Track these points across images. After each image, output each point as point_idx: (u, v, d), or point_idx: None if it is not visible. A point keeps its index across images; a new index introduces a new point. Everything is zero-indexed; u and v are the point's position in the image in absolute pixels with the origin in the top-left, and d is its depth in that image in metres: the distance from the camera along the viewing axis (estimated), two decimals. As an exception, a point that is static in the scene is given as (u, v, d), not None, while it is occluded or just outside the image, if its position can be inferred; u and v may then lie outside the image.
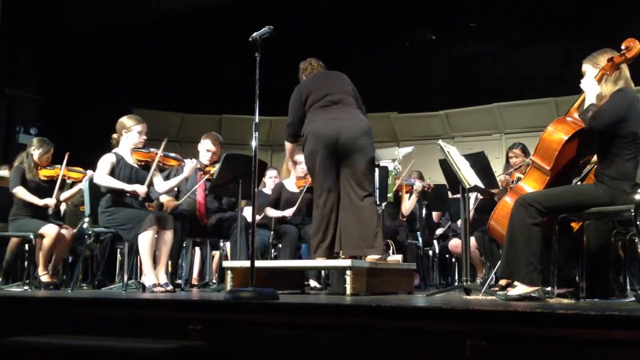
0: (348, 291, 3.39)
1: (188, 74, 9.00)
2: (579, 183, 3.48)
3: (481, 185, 3.94)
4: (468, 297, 3.50)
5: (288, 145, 4.26)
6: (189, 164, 4.59)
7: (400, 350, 2.16)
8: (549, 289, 3.13)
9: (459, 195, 4.02)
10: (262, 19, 3.48)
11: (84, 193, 4.65)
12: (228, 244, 5.04)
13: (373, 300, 2.72)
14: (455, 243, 5.94)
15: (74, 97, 8.20)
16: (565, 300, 3.06)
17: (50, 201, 4.79)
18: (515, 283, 3.04)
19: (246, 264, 3.51)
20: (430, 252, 6.47)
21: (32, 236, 4.63)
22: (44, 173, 4.91)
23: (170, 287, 4.04)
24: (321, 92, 3.96)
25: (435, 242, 6.50)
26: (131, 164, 4.38)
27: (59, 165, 4.95)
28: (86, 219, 4.50)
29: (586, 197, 3.02)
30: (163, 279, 4.09)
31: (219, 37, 8.20)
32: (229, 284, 3.77)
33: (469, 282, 3.67)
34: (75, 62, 8.39)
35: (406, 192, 5.89)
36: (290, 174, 5.53)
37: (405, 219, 6.04)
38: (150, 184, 4.38)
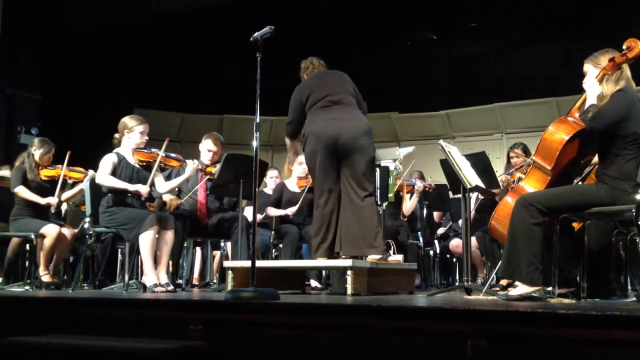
0: (349, 291, 3.39)
1: (188, 74, 9.01)
2: (580, 183, 3.48)
3: (482, 185, 3.94)
4: (469, 297, 3.50)
5: (288, 141, 4.28)
6: (191, 165, 4.59)
7: (401, 350, 2.16)
8: (550, 289, 3.13)
9: (459, 195, 4.01)
10: (262, 19, 3.48)
11: (85, 193, 4.66)
12: (229, 244, 5.04)
13: (374, 300, 2.72)
14: (456, 243, 5.94)
15: (74, 97, 8.21)
16: (566, 300, 3.05)
17: (53, 200, 4.79)
18: (516, 283, 3.04)
19: (247, 264, 3.51)
20: (431, 252, 6.47)
21: (33, 236, 4.64)
22: (45, 173, 4.91)
23: (171, 287, 4.04)
24: (322, 93, 3.96)
25: (436, 242, 6.49)
26: (132, 164, 4.38)
27: (60, 165, 4.95)
28: (87, 219, 4.50)
29: (587, 197, 3.02)
30: (164, 279, 4.10)
31: (219, 37, 8.20)
32: (229, 284, 3.77)
33: (469, 282, 3.67)
34: (76, 62, 8.40)
35: (407, 192, 5.89)
36: (292, 173, 5.53)
37: (406, 219, 6.04)
38: (152, 184, 4.38)
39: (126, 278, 4.41)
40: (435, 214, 6.77)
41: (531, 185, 3.30)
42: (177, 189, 4.84)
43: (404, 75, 9.17)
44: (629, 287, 3.75)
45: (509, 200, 3.30)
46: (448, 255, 6.42)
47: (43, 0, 7.52)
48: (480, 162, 4.24)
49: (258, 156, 3.08)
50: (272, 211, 5.34)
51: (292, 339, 2.35)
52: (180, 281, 5.00)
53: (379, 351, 2.19)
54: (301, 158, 4.67)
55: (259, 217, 5.34)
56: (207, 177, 4.85)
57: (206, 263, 5.93)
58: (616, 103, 2.99)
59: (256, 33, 3.11)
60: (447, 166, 4.40)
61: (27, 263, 4.99)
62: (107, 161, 4.28)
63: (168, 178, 4.78)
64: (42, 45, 8.48)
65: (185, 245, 4.98)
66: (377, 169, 4.35)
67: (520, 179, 4.04)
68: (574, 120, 3.21)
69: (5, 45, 7.14)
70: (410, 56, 9.18)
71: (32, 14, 7.75)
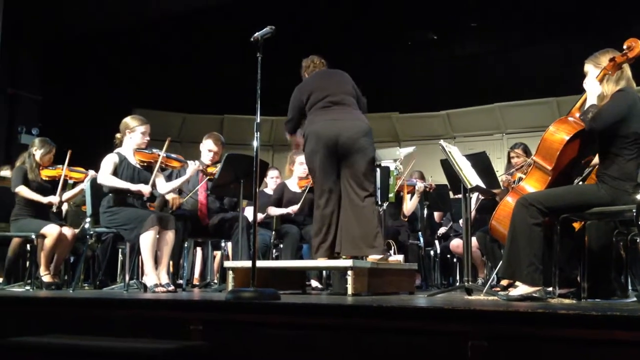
0: (349, 291, 3.39)
1: (189, 74, 9.01)
2: (580, 183, 3.48)
3: (483, 185, 3.93)
4: (469, 297, 3.49)
5: (288, 136, 4.29)
6: (192, 166, 4.59)
7: (401, 350, 2.16)
8: (550, 289, 3.13)
9: (460, 196, 4.01)
10: (262, 19, 3.48)
11: (85, 193, 4.66)
12: (229, 244, 5.04)
13: (374, 301, 2.72)
14: (456, 243, 5.94)
15: (75, 97, 8.21)
16: (567, 301, 3.05)
17: (55, 199, 4.80)
18: (517, 283, 3.04)
19: (247, 264, 3.51)
20: (432, 253, 6.47)
21: (33, 236, 4.64)
22: (46, 173, 4.91)
23: (171, 287, 4.04)
24: (322, 93, 3.96)
25: (436, 242, 6.49)
26: (134, 164, 4.38)
27: (60, 166, 4.96)
28: (88, 219, 4.50)
29: (588, 197, 3.02)
30: (164, 279, 4.10)
31: (219, 37, 8.21)
32: (230, 284, 3.77)
33: (470, 283, 3.67)
34: (77, 62, 8.40)
35: (408, 193, 5.89)
36: (293, 174, 5.53)
37: (406, 219, 6.04)
38: (153, 185, 4.38)
39: (127, 278, 4.41)
40: (436, 214, 6.77)
41: (532, 185, 3.30)
42: (178, 189, 4.84)
43: (404, 75, 9.17)
44: (630, 288, 3.75)
45: (510, 201, 3.30)
46: (448, 256, 6.42)
47: (44, 0, 7.53)
48: (481, 162, 4.24)
49: (258, 156, 3.08)
50: (273, 210, 5.34)
51: (292, 339, 2.35)
52: (180, 281, 5.00)
53: (380, 351, 2.19)
54: (302, 158, 4.68)
55: (260, 216, 5.34)
56: (208, 177, 4.86)
57: (207, 263, 5.93)
58: (616, 103, 2.99)
59: (257, 33, 3.11)
60: (447, 166, 4.41)
61: (27, 263, 4.99)
62: (109, 161, 4.28)
63: (169, 178, 4.79)
64: (42, 45, 8.49)
65: (185, 245, 4.98)
66: (378, 169, 4.36)
67: (520, 179, 4.04)
68: (575, 121, 3.21)
69: (6, 45, 7.15)
70: (410, 56, 9.18)
71: (33, 14, 7.76)
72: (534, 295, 2.91)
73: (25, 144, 6.71)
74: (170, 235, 4.16)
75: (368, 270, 3.62)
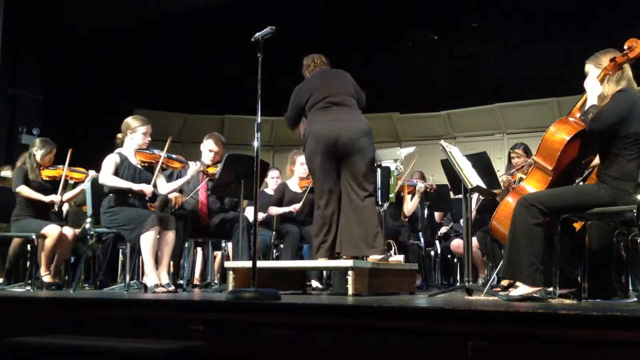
0: (350, 292, 3.39)
1: (189, 74, 9.01)
2: (581, 183, 3.48)
3: (483, 185, 3.93)
4: (470, 297, 3.49)
5: (290, 130, 4.35)
6: (193, 167, 4.59)
7: (402, 350, 2.16)
8: (551, 289, 3.13)
9: (461, 196, 4.01)
10: (262, 19, 3.48)
11: (86, 193, 4.66)
12: (230, 244, 5.04)
13: (375, 301, 2.72)
14: (457, 243, 5.94)
15: (75, 98, 8.21)
16: (567, 301, 3.05)
17: (56, 197, 4.80)
18: (518, 283, 3.04)
19: (248, 264, 3.51)
20: (432, 253, 6.47)
21: (34, 236, 4.64)
22: (47, 173, 4.91)
23: (172, 288, 4.04)
24: (322, 94, 3.97)
25: (437, 242, 6.49)
26: (135, 164, 4.38)
27: (61, 166, 4.96)
28: (88, 220, 4.50)
29: (588, 198, 3.02)
30: (165, 279, 4.10)
31: (219, 37, 8.20)
32: (230, 285, 3.77)
33: (471, 283, 3.67)
34: (77, 62, 8.40)
35: (408, 193, 5.89)
36: (293, 174, 5.53)
37: (407, 220, 6.04)
38: (154, 185, 4.38)
39: (127, 278, 4.41)
40: (437, 214, 6.77)
41: (532, 185, 3.30)
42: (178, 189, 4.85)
43: (404, 75, 9.17)
44: (630, 288, 3.75)
45: (510, 201, 3.30)
46: (449, 256, 6.42)
47: (44, 0, 7.53)
48: (482, 163, 4.24)
49: (259, 156, 3.08)
50: (275, 210, 5.34)
51: (293, 340, 2.35)
52: (181, 281, 5.00)
53: (380, 352, 2.19)
54: (302, 158, 4.68)
55: (262, 215, 5.35)
56: (208, 177, 4.86)
57: (207, 263, 5.93)
58: (617, 103, 2.99)
59: (257, 33, 3.11)
60: (448, 166, 4.40)
61: (28, 263, 4.99)
62: (110, 161, 4.29)
63: (169, 178, 4.79)
64: (43, 45, 8.49)
65: (186, 245, 4.98)
66: (379, 170, 4.36)
67: (521, 179, 4.04)
68: (575, 121, 3.20)
69: (6, 46, 7.15)
70: (410, 56, 9.18)
71: (34, 14, 7.76)
72: (535, 295, 2.91)
73: (25, 144, 6.71)
74: (170, 236, 4.16)
75: (368, 271, 3.62)
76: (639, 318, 1.83)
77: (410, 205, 5.95)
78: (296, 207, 5.23)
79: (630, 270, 3.81)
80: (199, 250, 5.89)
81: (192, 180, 4.78)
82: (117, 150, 4.41)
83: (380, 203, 4.43)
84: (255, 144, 3.02)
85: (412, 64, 9.15)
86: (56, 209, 4.90)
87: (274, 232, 5.27)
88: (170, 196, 4.86)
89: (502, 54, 8.90)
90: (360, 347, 2.24)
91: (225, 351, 2.41)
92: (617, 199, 2.96)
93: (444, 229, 6.57)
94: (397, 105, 9.39)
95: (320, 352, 2.29)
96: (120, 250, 5.44)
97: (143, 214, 4.12)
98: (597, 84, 3.07)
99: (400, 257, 4.59)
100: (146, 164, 4.43)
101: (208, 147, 4.96)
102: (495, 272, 4.38)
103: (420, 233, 6.27)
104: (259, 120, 3.02)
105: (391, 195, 4.53)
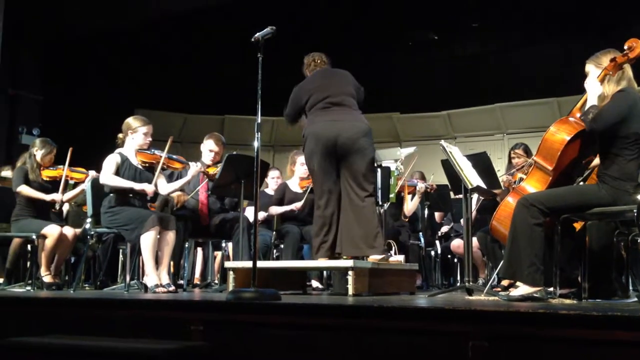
0: (350, 292, 3.39)
1: (189, 74, 9.01)
2: (581, 183, 3.48)
3: (483, 185, 3.93)
4: (470, 297, 3.49)
5: (290, 127, 4.37)
6: (194, 167, 4.59)
7: (402, 350, 2.16)
8: (551, 289, 3.13)
9: (461, 196, 4.01)
10: (262, 19, 3.48)
11: (86, 193, 4.66)
12: (230, 245, 5.04)
13: (375, 301, 2.72)
14: (457, 243, 5.94)
15: (75, 98, 8.22)
16: (568, 301, 3.05)
17: (57, 196, 4.80)
18: (518, 283, 3.04)
19: (248, 264, 3.51)
20: (433, 253, 6.47)
21: (34, 237, 4.64)
22: (47, 174, 4.91)
23: (172, 288, 4.04)
24: (322, 94, 3.97)
25: (437, 242, 6.49)
26: (136, 165, 4.38)
27: (61, 166, 4.96)
28: (89, 220, 4.50)
29: (588, 198, 3.02)
30: (165, 279, 4.10)
31: (219, 37, 8.21)
32: (231, 285, 3.77)
33: (471, 283, 3.67)
34: (77, 62, 8.40)
35: (408, 193, 5.89)
36: (294, 174, 5.53)
37: (407, 220, 6.04)
38: (155, 185, 4.38)
39: (127, 278, 4.41)
40: (437, 215, 6.77)
41: (532, 185, 3.30)
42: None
43: (404, 75, 9.17)
44: (631, 288, 3.75)
45: (510, 201, 3.30)
46: (449, 256, 6.42)
47: (44, 0, 7.53)
48: (482, 163, 4.24)
49: (259, 156, 3.08)
50: (276, 209, 5.34)
51: (293, 340, 2.35)
52: (181, 282, 5.00)
53: (380, 352, 2.19)
54: (303, 158, 4.68)
55: (263, 214, 5.35)
56: (209, 178, 4.86)
57: (207, 263, 5.93)
58: (617, 104, 2.99)
59: (257, 33, 3.11)
60: (448, 166, 4.40)
61: (28, 263, 4.99)
62: (111, 161, 4.28)
63: (170, 178, 4.79)
64: (43, 45, 8.50)
65: (186, 245, 4.98)
66: (379, 170, 4.36)
67: (521, 179, 4.04)
68: (575, 121, 3.20)
69: (6, 46, 7.15)
70: (411, 56, 9.18)
71: (34, 14, 7.76)
72: (535, 295, 2.91)
73: (26, 145, 6.71)
74: (171, 236, 4.16)
75: (369, 271, 3.62)
76: (639, 318, 1.83)
77: (410, 205, 5.95)
78: (298, 205, 5.23)
79: (631, 270, 3.81)
80: (199, 250, 5.89)
81: (192, 181, 4.78)
82: (118, 150, 4.41)
83: (380, 203, 4.43)
84: (256, 144, 3.02)
85: (412, 64, 9.15)
86: (57, 208, 4.91)
87: (274, 232, 5.27)
88: (173, 195, 4.86)
89: (502, 54, 8.90)
90: (360, 347, 2.24)
91: (226, 351, 2.41)
92: (618, 199, 2.96)
93: (444, 229, 6.57)
94: (397, 105, 9.39)
95: (320, 352, 2.29)
96: (121, 251, 5.44)
97: (143, 214, 4.12)
98: (597, 84, 3.07)
99: (401, 257, 4.59)
100: (147, 165, 4.43)
101: (208, 147, 4.96)
102: (495, 272, 4.38)
103: (421, 233, 6.27)
104: (259, 121, 3.02)
105: (391, 196, 4.53)
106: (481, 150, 4.87)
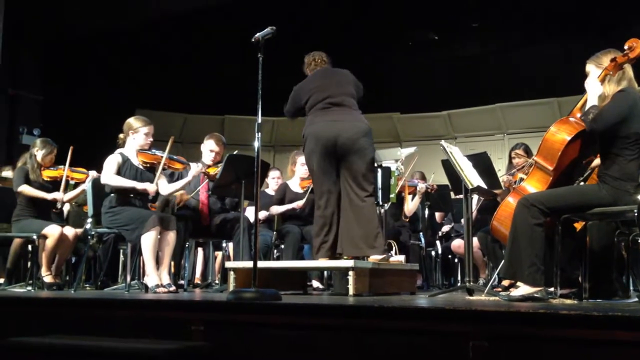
0: (351, 292, 3.39)
1: (190, 74, 9.01)
2: (582, 183, 3.48)
3: (484, 185, 3.93)
4: (471, 297, 3.49)
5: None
6: (195, 168, 4.59)
7: (402, 350, 2.16)
8: (551, 289, 3.13)
9: (461, 196, 4.01)
10: (262, 19, 3.48)
11: (87, 193, 4.66)
12: (231, 245, 5.04)
13: (376, 301, 2.72)
14: (458, 243, 5.94)
15: (76, 98, 8.21)
16: (568, 301, 3.05)
17: (59, 195, 4.80)
18: (518, 284, 3.04)
19: (249, 264, 3.51)
20: (433, 253, 6.47)
21: (35, 237, 4.64)
22: (47, 174, 4.91)
23: (173, 288, 4.04)
24: (322, 94, 3.97)
25: (437, 242, 6.49)
26: (136, 165, 4.38)
27: (62, 166, 4.96)
28: (89, 220, 4.50)
29: (589, 198, 3.02)
30: (166, 279, 4.10)
31: (219, 37, 8.20)
32: (231, 285, 3.77)
33: (471, 283, 3.67)
34: (78, 62, 8.40)
35: (409, 193, 5.89)
36: (294, 174, 5.53)
37: (408, 220, 6.04)
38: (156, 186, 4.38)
39: (128, 279, 4.41)
40: (437, 215, 6.77)
41: (533, 185, 3.30)
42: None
43: (404, 75, 9.17)
44: (631, 288, 3.75)
45: (511, 201, 3.30)
46: (450, 256, 6.42)
47: (44, 0, 7.53)
48: (482, 163, 4.24)
49: (260, 157, 3.08)
50: (277, 209, 5.34)
51: (293, 340, 2.35)
52: (182, 282, 5.00)
53: (381, 352, 2.19)
54: (303, 159, 4.68)
55: (264, 213, 5.35)
56: (209, 178, 4.86)
57: (208, 264, 5.93)
58: (617, 104, 2.99)
59: (258, 34, 3.11)
60: (448, 167, 4.41)
61: (29, 264, 4.99)
62: (112, 161, 4.29)
63: (170, 178, 4.79)
64: (43, 45, 8.49)
65: (187, 245, 4.98)
66: (379, 170, 4.36)
67: (522, 179, 4.04)
68: (576, 121, 3.21)
69: (6, 46, 7.15)
70: (411, 56, 9.17)
71: (34, 14, 7.75)
72: (536, 295, 2.91)
73: (26, 145, 6.70)
74: (171, 236, 4.16)
75: (369, 271, 3.62)
76: (640, 318, 1.83)
77: (411, 205, 5.95)
78: (299, 203, 5.23)
79: (631, 271, 3.81)
80: (200, 250, 5.90)
81: (193, 181, 4.79)
82: (119, 150, 4.41)
83: (381, 203, 4.43)
84: (256, 144, 3.02)
85: (412, 64, 9.15)
86: (58, 208, 4.91)
87: (274, 232, 5.27)
88: (176, 194, 4.87)
89: (502, 54, 8.90)
90: (361, 347, 2.24)
91: (226, 351, 2.42)
92: (618, 199, 2.96)
93: (444, 229, 6.57)
94: (398, 105, 9.40)
95: (321, 352, 2.29)
96: (121, 251, 5.44)
97: (144, 214, 4.12)
98: (597, 84, 3.07)
99: (401, 257, 4.59)
100: (148, 165, 4.43)
101: (209, 148, 4.96)
102: (496, 272, 4.38)
103: (421, 233, 6.27)
104: (259, 121, 3.02)
105: (392, 196, 4.53)
106: (481, 151, 4.87)
